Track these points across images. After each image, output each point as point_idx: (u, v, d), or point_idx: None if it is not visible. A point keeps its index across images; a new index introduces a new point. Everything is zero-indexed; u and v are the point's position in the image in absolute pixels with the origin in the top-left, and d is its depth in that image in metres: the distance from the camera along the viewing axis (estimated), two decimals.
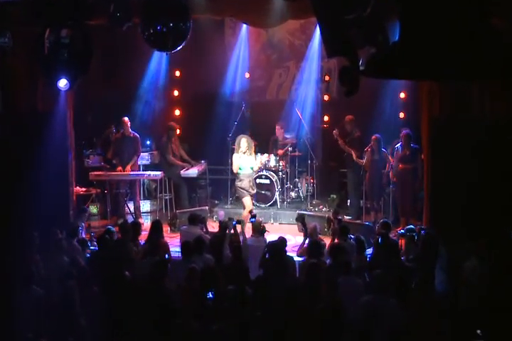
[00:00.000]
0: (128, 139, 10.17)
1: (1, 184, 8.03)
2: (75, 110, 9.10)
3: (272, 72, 11.94)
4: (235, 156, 9.26)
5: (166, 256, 7.02)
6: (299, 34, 11.58)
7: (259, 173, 10.34)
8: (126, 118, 10.17)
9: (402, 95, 10.66)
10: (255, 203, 10.34)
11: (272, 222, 10.22)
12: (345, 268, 5.97)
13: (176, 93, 12.00)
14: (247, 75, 11.74)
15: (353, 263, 6.30)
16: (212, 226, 8.98)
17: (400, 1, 3.91)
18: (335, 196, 11.11)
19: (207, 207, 10.32)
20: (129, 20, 7.23)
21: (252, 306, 5.39)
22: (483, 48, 3.64)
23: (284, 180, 10.72)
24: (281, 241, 6.94)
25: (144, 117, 11.17)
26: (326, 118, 11.52)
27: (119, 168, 10.05)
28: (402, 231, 8.11)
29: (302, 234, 7.74)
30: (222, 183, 11.31)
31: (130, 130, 10.18)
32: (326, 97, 11.50)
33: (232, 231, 7.46)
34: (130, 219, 9.52)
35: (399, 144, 9.55)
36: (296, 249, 7.61)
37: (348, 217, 9.95)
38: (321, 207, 10.55)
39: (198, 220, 7.99)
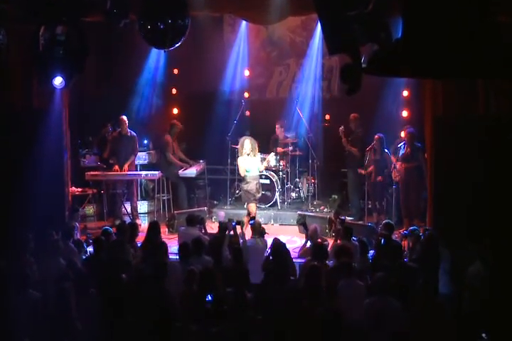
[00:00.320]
0: (125, 138, 10.17)
1: None
2: (70, 108, 9.09)
3: (272, 69, 11.93)
4: (240, 159, 9.28)
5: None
6: (299, 31, 11.58)
7: (260, 173, 10.31)
8: (124, 117, 10.16)
9: (405, 93, 10.64)
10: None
11: (272, 222, 10.22)
12: (347, 270, 5.96)
13: (174, 91, 12.00)
14: (247, 73, 11.73)
15: (355, 265, 6.31)
16: (211, 227, 8.98)
17: None
18: (336, 196, 11.11)
19: (206, 208, 10.32)
20: (126, 17, 7.22)
21: (252, 309, 5.38)
22: (489, 45, 3.64)
23: (285, 180, 10.72)
24: (283, 243, 6.96)
25: (141, 116, 11.16)
26: (327, 116, 11.51)
27: (116, 167, 10.04)
28: (405, 232, 8.11)
29: (304, 235, 7.74)
30: (221, 183, 11.31)
31: (127, 129, 10.18)
32: (327, 95, 11.50)
33: (231, 232, 7.46)
34: (127, 220, 9.51)
35: (402, 143, 9.55)
36: (297, 250, 7.61)
37: (349, 218, 9.95)
38: (322, 207, 10.55)
39: (196, 221, 7.99)
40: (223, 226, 7.59)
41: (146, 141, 11.31)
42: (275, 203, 10.57)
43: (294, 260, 6.96)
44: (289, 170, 10.77)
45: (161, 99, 11.73)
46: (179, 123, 10.81)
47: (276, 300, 5.49)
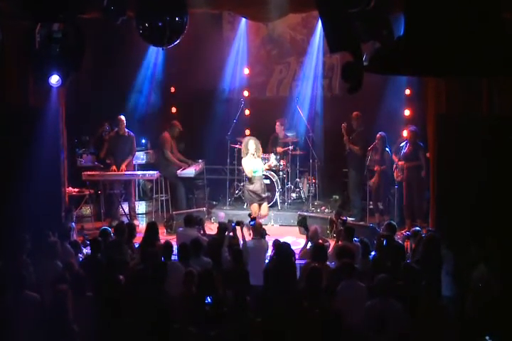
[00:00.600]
0: (123, 138, 10.18)
1: None
2: (67, 107, 9.09)
3: (272, 67, 11.94)
4: (245, 161, 9.30)
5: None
6: (300, 28, 11.58)
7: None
8: (122, 117, 10.17)
9: (408, 92, 10.65)
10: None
11: (272, 223, 10.22)
12: (349, 271, 5.97)
13: (172, 90, 12.00)
14: (246, 71, 11.74)
15: (357, 266, 6.31)
16: (210, 228, 8.99)
17: None
18: (337, 197, 11.12)
19: (204, 209, 10.33)
20: (123, 14, 7.21)
21: (252, 311, 5.38)
22: (494, 43, 3.64)
23: (285, 180, 10.72)
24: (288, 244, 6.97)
25: (139, 115, 11.15)
26: (328, 115, 11.51)
27: (113, 167, 10.05)
28: (407, 233, 8.11)
29: (303, 236, 7.74)
30: (220, 183, 11.31)
31: (125, 129, 10.18)
32: (328, 94, 11.50)
33: (231, 233, 7.46)
34: (125, 220, 9.51)
35: (404, 142, 9.55)
36: (298, 251, 7.61)
37: (351, 219, 9.95)
38: (323, 208, 10.55)
39: (194, 222, 7.99)
40: (222, 227, 7.59)
41: (144, 141, 11.31)
42: (275, 203, 10.57)
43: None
44: (289, 169, 10.77)
45: (159, 97, 11.72)
46: (179, 125, 10.80)
47: (277, 302, 5.49)
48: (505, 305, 5.57)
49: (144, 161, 11.06)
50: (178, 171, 10.53)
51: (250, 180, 9.25)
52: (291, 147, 10.71)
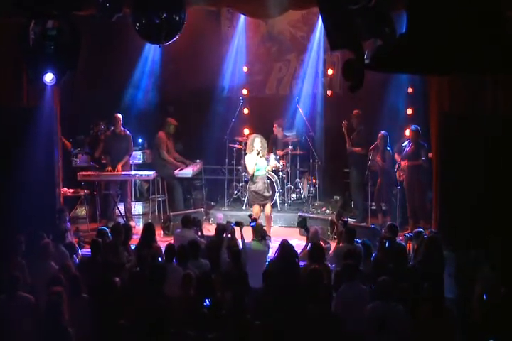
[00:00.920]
0: (119, 137, 10.17)
1: None
2: (61, 106, 9.09)
3: (271, 65, 11.94)
4: (248, 158, 9.24)
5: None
6: (300, 25, 11.59)
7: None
8: (119, 115, 10.16)
9: (410, 90, 10.67)
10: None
11: (271, 224, 10.21)
12: (350, 274, 5.98)
13: (169, 88, 11.99)
14: (245, 69, 11.74)
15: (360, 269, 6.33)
16: (208, 230, 9.00)
17: None
18: (338, 197, 11.13)
19: (202, 210, 10.32)
20: (119, 11, 7.22)
21: (251, 314, 5.40)
22: (498, 40, 3.66)
23: (285, 181, 10.73)
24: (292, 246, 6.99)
25: (135, 113, 11.15)
26: (329, 114, 11.52)
27: (109, 167, 10.05)
28: (410, 234, 8.12)
29: (304, 237, 7.76)
30: (218, 184, 11.33)
31: (122, 127, 10.18)
32: (328, 92, 11.51)
33: (229, 234, 7.48)
34: (121, 222, 9.51)
35: (407, 142, 9.56)
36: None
37: (352, 220, 9.96)
38: (323, 209, 10.56)
39: (192, 223, 8.00)
40: (221, 229, 7.60)
41: (140, 140, 11.32)
42: (275, 204, 10.57)
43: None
44: (289, 170, 10.78)
45: (156, 96, 11.73)
46: (174, 121, 10.78)
47: (276, 304, 5.50)
48: (509, 307, 5.59)
49: (140, 161, 11.05)
50: (176, 171, 10.53)
51: (252, 179, 9.22)
52: (290, 147, 10.71)
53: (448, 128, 8.10)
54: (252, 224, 7.72)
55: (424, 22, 3.76)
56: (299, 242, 8.83)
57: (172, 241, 8.22)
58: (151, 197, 10.83)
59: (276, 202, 10.59)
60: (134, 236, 7.94)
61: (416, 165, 9.34)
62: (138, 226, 9.89)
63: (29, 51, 7.22)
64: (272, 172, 10.63)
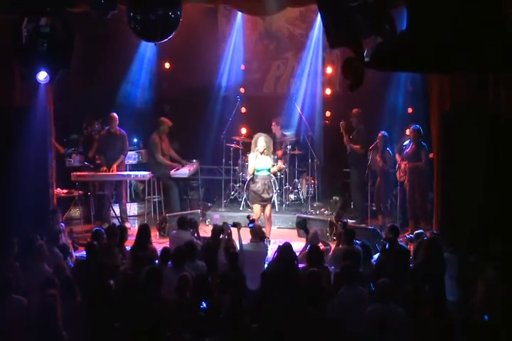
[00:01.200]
0: (114, 137, 10.16)
1: None
2: (55, 105, 9.08)
3: (269, 63, 11.95)
4: (251, 156, 9.22)
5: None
6: (298, 23, 11.59)
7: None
8: (114, 114, 10.15)
9: (410, 89, 10.67)
10: (251, 205, 10.33)
11: (265, 227, 10.20)
12: (349, 276, 5.98)
13: (165, 87, 11.99)
14: (243, 67, 11.74)
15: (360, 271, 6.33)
16: (205, 231, 8.99)
17: None
18: (338, 198, 11.13)
19: (199, 210, 10.33)
20: (113, 8, 7.21)
21: (249, 317, 5.39)
22: (499, 37, 3.66)
23: (283, 181, 10.72)
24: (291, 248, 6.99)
25: (130, 113, 11.14)
26: (327, 113, 11.53)
27: (104, 168, 10.03)
28: (410, 235, 8.12)
29: (302, 239, 7.76)
30: (215, 184, 11.32)
31: (117, 127, 10.16)
32: (328, 91, 11.52)
33: (227, 235, 7.47)
34: (116, 223, 9.50)
35: (407, 141, 9.56)
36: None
37: (352, 221, 9.95)
38: (322, 209, 10.56)
39: (188, 224, 7.98)
40: (217, 230, 7.59)
41: (136, 140, 11.31)
42: (273, 205, 10.54)
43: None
44: (287, 170, 10.77)
45: (151, 95, 11.72)
46: (168, 121, 10.74)
47: (275, 307, 5.50)
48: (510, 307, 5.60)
49: (135, 161, 11.05)
50: (172, 172, 10.52)
51: (252, 179, 9.21)
52: (289, 147, 10.70)
53: (449, 128, 8.10)
54: (251, 225, 7.72)
55: (425, 19, 3.77)
56: (297, 243, 8.80)
57: (168, 243, 8.23)
58: (146, 197, 10.82)
59: (274, 202, 10.58)
60: (130, 238, 7.92)
61: (416, 167, 9.34)
62: (133, 227, 9.89)
63: (22, 49, 7.21)
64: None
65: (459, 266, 6.71)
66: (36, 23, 7.09)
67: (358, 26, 4.49)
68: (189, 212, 10.15)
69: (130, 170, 10.68)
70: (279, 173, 10.69)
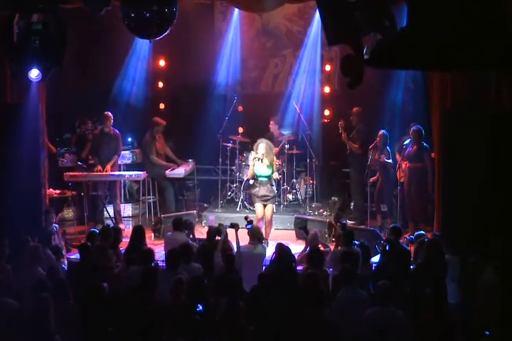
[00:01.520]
0: (108, 136, 10.15)
1: None
2: (47, 104, 9.07)
3: (267, 61, 11.95)
4: (250, 162, 9.30)
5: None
6: (296, 19, 11.60)
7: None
8: (109, 113, 10.14)
9: (411, 87, 10.68)
10: (248, 206, 10.35)
11: (265, 228, 10.20)
12: (348, 278, 5.98)
13: (160, 85, 11.99)
14: (240, 65, 11.73)
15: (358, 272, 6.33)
16: (201, 232, 9.00)
17: None
18: (337, 198, 11.13)
19: (195, 211, 10.32)
20: (107, 4, 7.20)
21: (246, 320, 5.39)
22: (502, 34, 3.66)
23: (281, 181, 10.72)
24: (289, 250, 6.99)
25: (124, 111, 11.13)
26: (326, 112, 11.54)
27: (98, 167, 10.02)
28: (411, 236, 8.13)
29: (300, 240, 7.75)
30: (212, 184, 11.32)
31: (111, 126, 10.15)
32: (326, 89, 11.52)
33: (224, 237, 7.47)
34: (110, 224, 9.50)
35: (408, 140, 9.56)
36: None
37: (351, 222, 9.96)
38: (321, 210, 10.56)
39: (184, 225, 7.99)
40: (213, 232, 7.59)
41: (130, 139, 11.30)
42: None
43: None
44: (285, 169, 10.77)
45: (146, 93, 11.70)
46: (161, 120, 10.71)
47: (272, 309, 5.50)
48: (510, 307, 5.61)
49: (130, 161, 11.04)
50: (167, 171, 10.51)
51: (253, 184, 9.22)
52: (287, 146, 10.70)
53: (450, 127, 8.10)
54: (249, 226, 7.71)
55: (426, 15, 3.76)
56: (294, 245, 8.81)
57: (163, 245, 8.23)
58: (141, 198, 10.81)
59: None
60: (124, 239, 7.92)
61: (417, 168, 9.31)
62: (127, 228, 9.88)
63: (13, 46, 7.19)
64: None
65: (461, 268, 6.72)
66: (28, 20, 7.08)
67: (358, 23, 4.49)
68: (185, 212, 10.13)
69: (124, 170, 10.67)
70: (276, 173, 10.66)
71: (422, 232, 7.79)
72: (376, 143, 9.70)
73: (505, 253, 6.32)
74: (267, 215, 9.13)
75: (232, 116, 10.99)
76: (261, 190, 9.09)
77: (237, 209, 10.53)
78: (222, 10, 11.69)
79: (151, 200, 10.75)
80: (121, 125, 10.52)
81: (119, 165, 10.63)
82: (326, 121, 11.53)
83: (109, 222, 9.96)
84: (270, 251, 7.71)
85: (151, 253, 6.87)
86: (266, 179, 9.17)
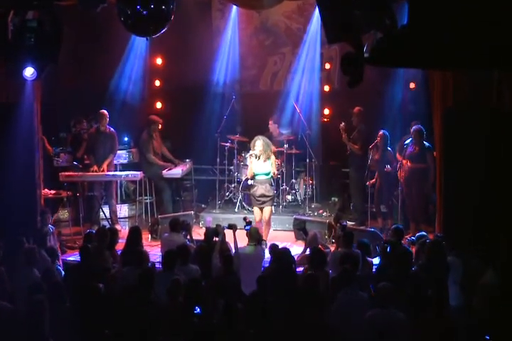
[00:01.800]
0: (104, 135, 10.15)
1: None
2: (42, 103, 9.06)
3: (265, 59, 11.96)
4: (248, 160, 9.29)
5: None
6: (296, 17, 11.60)
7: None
8: (105, 111, 10.13)
9: (412, 85, 10.69)
10: (246, 207, 10.35)
11: (270, 229, 10.20)
12: (348, 279, 5.99)
13: (157, 83, 11.99)
14: (238, 63, 11.73)
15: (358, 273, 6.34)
16: (199, 234, 9.00)
17: None
18: (337, 199, 11.14)
19: (192, 212, 10.32)
20: (103, 1, 7.21)
21: (244, 322, 5.40)
22: (502, 32, 3.67)
23: (280, 181, 10.72)
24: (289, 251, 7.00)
25: (121, 110, 11.12)
26: (326, 111, 11.54)
27: (94, 168, 10.02)
28: (412, 237, 8.13)
29: (299, 241, 7.76)
30: (209, 185, 11.31)
31: (107, 125, 10.15)
32: (326, 88, 11.53)
33: (222, 238, 7.48)
34: (106, 225, 9.50)
35: (409, 140, 9.55)
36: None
37: (351, 223, 9.97)
38: (320, 211, 10.57)
39: (181, 226, 7.99)
40: (210, 233, 7.59)
41: (126, 138, 11.30)
42: None
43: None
44: (284, 169, 10.77)
45: (143, 91, 11.70)
46: (158, 119, 10.72)
47: (272, 312, 5.50)
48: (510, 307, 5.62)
49: (126, 160, 11.03)
50: (164, 171, 10.51)
51: (252, 183, 9.22)
52: (286, 146, 10.70)
53: (451, 126, 8.11)
54: (247, 227, 7.71)
55: (426, 13, 3.77)
56: (288, 244, 8.80)
57: (160, 246, 8.23)
58: (137, 198, 10.81)
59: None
60: (120, 241, 7.92)
61: (419, 168, 9.31)
62: (124, 229, 9.88)
63: (8, 44, 7.19)
64: None
65: (463, 271, 6.72)
66: (23, 17, 7.08)
67: (358, 21, 4.50)
68: (182, 213, 10.13)
69: (121, 170, 10.67)
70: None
71: (424, 233, 7.80)
72: (376, 143, 9.70)
73: (507, 255, 6.34)
74: (265, 216, 9.12)
75: (230, 115, 10.99)
76: (259, 189, 9.07)
77: (236, 209, 10.53)
78: (220, 7, 11.70)
79: (147, 201, 10.75)
80: (117, 124, 10.52)
81: (116, 165, 10.62)
82: (325, 120, 11.53)
83: (105, 222, 9.96)
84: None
85: (142, 254, 6.89)
86: (264, 177, 9.15)
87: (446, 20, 3.67)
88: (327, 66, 11.52)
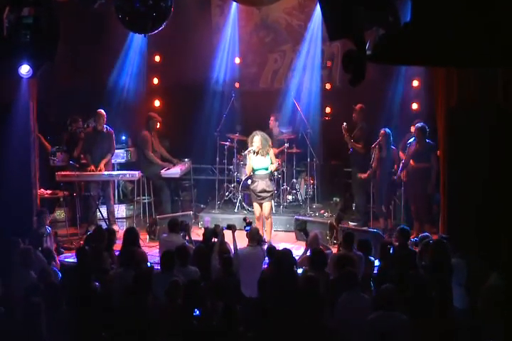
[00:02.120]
0: (101, 135, 10.15)
1: None
2: (38, 101, 9.07)
3: (266, 57, 11.96)
4: (247, 156, 9.32)
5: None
6: (296, 13, 11.61)
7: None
8: (102, 111, 10.13)
9: (415, 83, 10.69)
10: (246, 207, 10.35)
11: (266, 228, 10.21)
12: (350, 282, 5.99)
13: (155, 81, 12.00)
14: (238, 61, 11.75)
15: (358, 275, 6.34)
16: (198, 234, 9.00)
17: None
18: (338, 199, 11.14)
19: (191, 212, 10.33)
20: None
21: (243, 325, 5.41)
22: (506, 30, 3.67)
23: (280, 181, 10.73)
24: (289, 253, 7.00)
25: (118, 109, 11.12)
26: (327, 109, 11.55)
27: (91, 167, 10.02)
28: (415, 238, 8.13)
29: (299, 242, 7.76)
30: (209, 185, 11.32)
31: (104, 124, 10.15)
32: (327, 86, 11.53)
33: (220, 238, 7.48)
34: (103, 226, 9.49)
35: (412, 139, 9.55)
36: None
37: (353, 223, 9.97)
38: (322, 211, 10.57)
39: (179, 227, 7.99)
40: (208, 234, 7.59)
41: (124, 137, 11.30)
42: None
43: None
44: (285, 169, 10.77)
45: (141, 89, 11.70)
46: (157, 116, 10.75)
47: (271, 315, 5.51)
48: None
49: (124, 160, 11.03)
50: (162, 171, 10.52)
51: (252, 179, 9.24)
52: (286, 145, 10.71)
53: (455, 124, 8.11)
54: (247, 228, 7.72)
55: (430, 9, 3.78)
56: (288, 245, 8.80)
57: (158, 247, 8.23)
58: (135, 198, 10.81)
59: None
60: (118, 241, 7.93)
61: (421, 168, 9.31)
62: (121, 230, 9.87)
63: (3, 41, 7.19)
64: None
65: (468, 272, 6.73)
66: (18, 13, 7.08)
67: (360, 17, 4.50)
68: (181, 213, 10.14)
69: (118, 170, 10.67)
70: (276, 173, 10.68)
71: (427, 234, 7.80)
72: (379, 142, 9.69)
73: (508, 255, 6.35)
74: (264, 212, 9.13)
75: (230, 113, 10.99)
76: (259, 185, 9.09)
77: (235, 210, 10.54)
78: (220, 4, 11.71)
79: (146, 201, 10.76)
80: (114, 122, 10.52)
81: (113, 164, 10.62)
82: (326, 118, 11.54)
83: (102, 223, 9.96)
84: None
85: (139, 255, 6.89)
86: (264, 172, 9.17)
87: (450, 18, 3.67)
88: (328, 63, 11.50)
